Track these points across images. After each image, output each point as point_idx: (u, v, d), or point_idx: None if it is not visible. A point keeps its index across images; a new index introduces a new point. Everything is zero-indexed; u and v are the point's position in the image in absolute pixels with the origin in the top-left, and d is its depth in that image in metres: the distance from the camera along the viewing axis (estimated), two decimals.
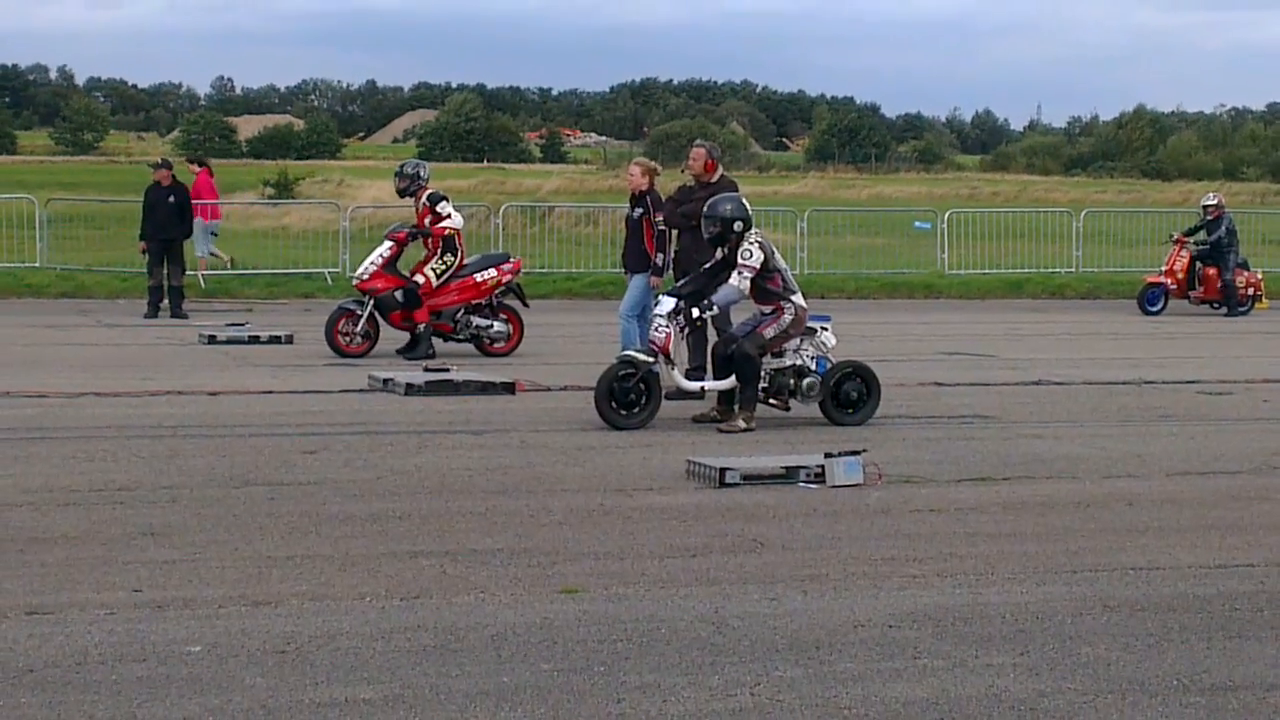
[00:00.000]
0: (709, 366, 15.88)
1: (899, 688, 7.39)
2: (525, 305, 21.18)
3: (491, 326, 20.53)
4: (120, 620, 8.21)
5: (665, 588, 9.12)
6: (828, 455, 12.37)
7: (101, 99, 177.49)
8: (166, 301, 25.11)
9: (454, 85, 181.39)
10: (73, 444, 13.43)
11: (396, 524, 10.66)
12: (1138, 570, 9.78)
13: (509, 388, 17.00)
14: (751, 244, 14.94)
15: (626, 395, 14.78)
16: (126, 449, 13.25)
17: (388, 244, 20.42)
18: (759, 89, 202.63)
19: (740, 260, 14.90)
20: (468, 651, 7.77)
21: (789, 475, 12.33)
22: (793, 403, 15.34)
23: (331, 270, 30.60)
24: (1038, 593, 9.18)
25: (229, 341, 21.53)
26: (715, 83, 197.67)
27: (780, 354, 15.19)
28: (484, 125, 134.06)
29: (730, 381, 15.00)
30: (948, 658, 7.86)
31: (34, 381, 17.09)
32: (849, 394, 15.30)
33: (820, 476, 12.23)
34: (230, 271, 30.96)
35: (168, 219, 25.05)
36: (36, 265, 30.97)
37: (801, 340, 15.27)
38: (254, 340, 21.48)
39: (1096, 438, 14.86)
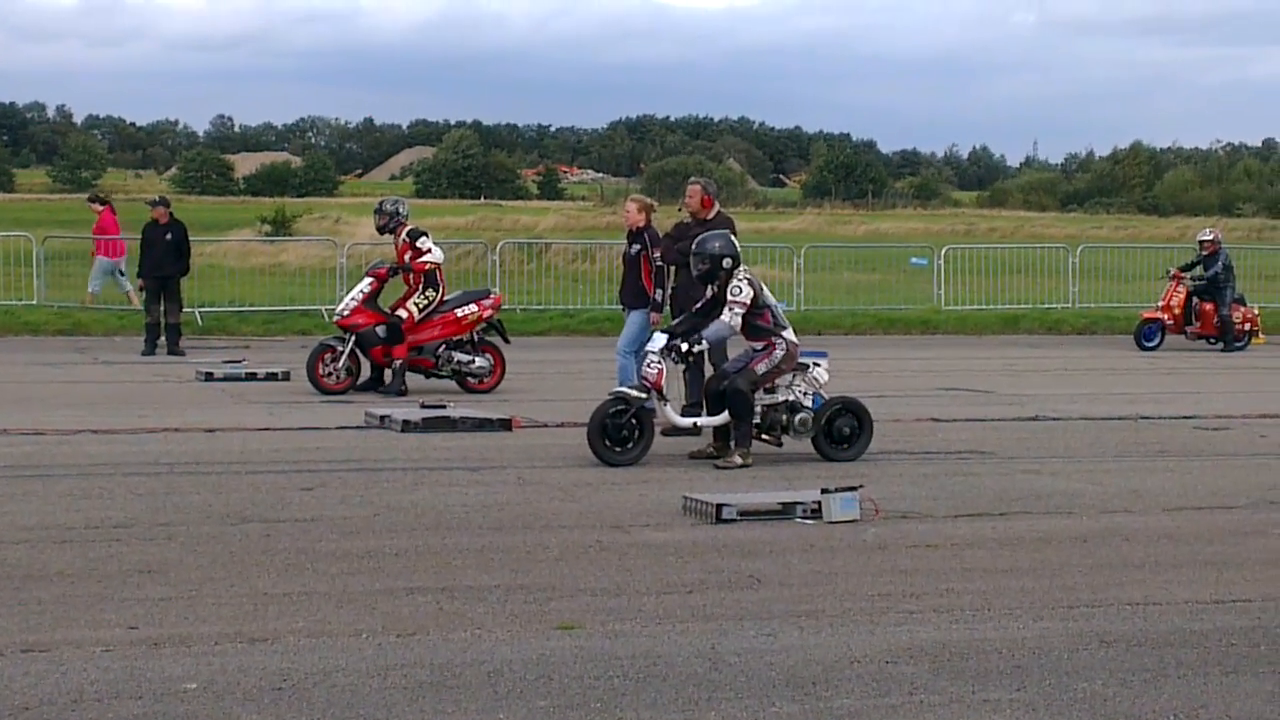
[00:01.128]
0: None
1: None
2: (506, 341, 21.13)
3: (473, 362, 20.50)
4: (116, 658, 8.20)
5: (662, 624, 9.11)
6: (824, 491, 12.38)
7: (99, 137, 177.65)
8: (163, 339, 25.12)
9: (452, 122, 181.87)
10: (69, 481, 13.43)
11: (393, 560, 10.65)
12: (1134, 605, 9.78)
13: (505, 424, 17.00)
14: (740, 280, 14.96)
15: (619, 431, 14.79)
16: (123, 486, 13.25)
17: (368, 280, 20.43)
18: (756, 125, 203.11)
19: (730, 297, 14.92)
20: (464, 688, 7.76)
21: (786, 511, 12.33)
22: (786, 438, 15.35)
23: (328, 307, 30.55)
24: (1034, 628, 9.17)
25: (226, 378, 21.54)
26: (712, 119, 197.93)
27: (773, 390, 15.19)
28: (481, 162, 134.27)
29: (724, 417, 15.03)
30: (944, 693, 7.85)
31: (31, 419, 17.09)
32: (841, 430, 15.31)
33: (817, 512, 12.23)
34: (137, 306, 30.95)
35: (164, 256, 25.06)
36: (34, 303, 30.97)
37: (794, 376, 15.29)
38: (251, 377, 21.48)
39: (1093, 473, 14.86)
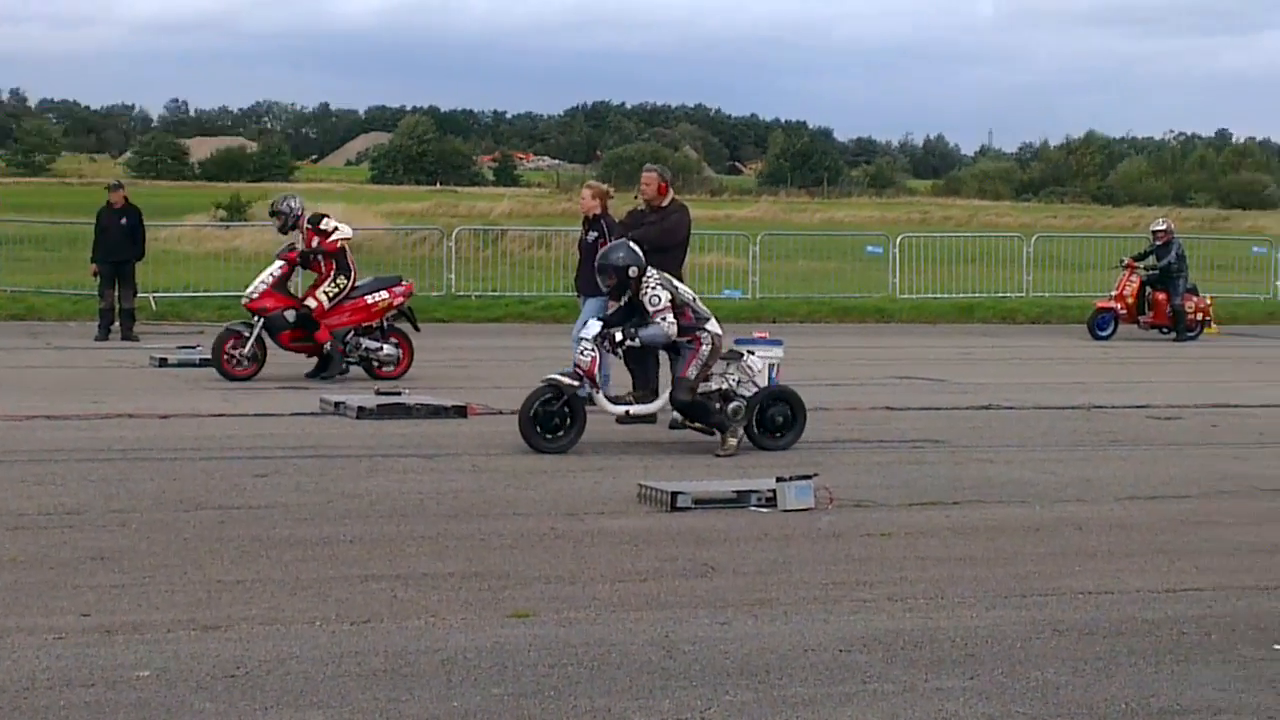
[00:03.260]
0: (660, 391, 15.91)
1: (849, 712, 7.41)
2: (416, 329, 21.01)
3: (381, 349, 20.40)
4: (69, 645, 8.17)
5: (616, 612, 9.12)
6: (779, 479, 12.40)
7: (54, 120, 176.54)
8: (117, 324, 25.02)
9: (409, 108, 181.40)
10: (21, 467, 13.37)
11: (347, 548, 10.63)
12: (1087, 594, 9.83)
13: (461, 411, 16.99)
14: (654, 288, 14.99)
15: (551, 419, 14.83)
16: (76, 472, 13.19)
17: (278, 263, 20.39)
18: (713, 112, 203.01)
19: (650, 307, 14.96)
20: (418, 676, 7.75)
21: (740, 499, 12.34)
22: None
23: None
24: (988, 617, 9.21)
25: (180, 364, 21.47)
26: (669, 106, 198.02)
27: (707, 379, 15.25)
28: (437, 148, 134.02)
29: (652, 405, 15.57)
30: (898, 682, 7.88)
31: None
32: (774, 418, 15.34)
33: (771, 501, 12.25)
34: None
35: (119, 241, 24.98)
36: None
37: (727, 365, 15.36)
38: (205, 363, 21.37)
39: (1046, 462, 14.92)
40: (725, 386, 15.31)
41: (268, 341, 20.13)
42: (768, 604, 9.39)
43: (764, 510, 12.15)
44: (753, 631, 8.75)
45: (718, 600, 9.45)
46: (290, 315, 20.07)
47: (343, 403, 16.98)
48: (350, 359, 20.31)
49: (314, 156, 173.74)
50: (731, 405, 15.16)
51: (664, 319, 14.90)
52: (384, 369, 20.36)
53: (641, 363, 16.34)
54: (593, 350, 15.01)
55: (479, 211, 63.90)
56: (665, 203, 17.17)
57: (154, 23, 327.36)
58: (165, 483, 12.78)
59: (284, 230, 20.76)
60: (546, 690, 7.58)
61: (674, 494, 12.17)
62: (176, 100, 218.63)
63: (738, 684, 7.76)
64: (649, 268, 15.11)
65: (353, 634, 8.51)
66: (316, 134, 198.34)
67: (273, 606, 9.05)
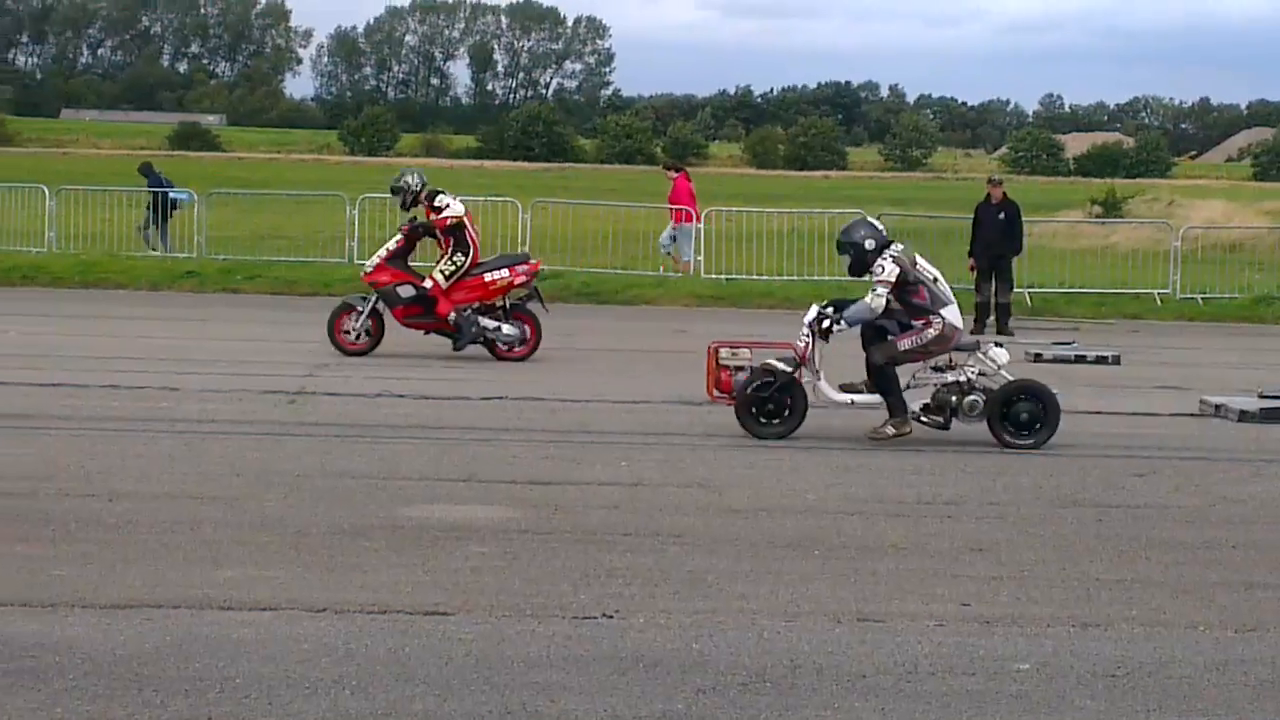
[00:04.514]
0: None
1: None
2: (545, 309, 20.04)
3: (499, 329, 19.55)
4: (949, 633, 8.28)
5: None
6: None
7: (930, 116, 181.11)
8: (993, 318, 25.29)
9: None
10: (900, 457, 13.69)
11: (1230, 553, 10.29)
12: None
13: None
14: (884, 259, 14.33)
15: (765, 404, 14.38)
16: (952, 463, 13.39)
17: (396, 238, 20.02)
18: None
19: (873, 276, 14.33)
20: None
21: None
22: (956, 421, 14.47)
23: (1161, 291, 29.98)
24: None
25: (1055, 360, 21.43)
26: None
27: (943, 369, 14.53)
28: None
29: (876, 396, 14.61)
30: None
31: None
32: (1019, 415, 14.32)
33: None
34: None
35: (997, 236, 25.23)
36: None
37: (968, 356, 14.52)
38: (1080, 360, 21.28)
39: None
40: (965, 379, 14.44)
41: (387, 317, 19.79)
42: None
43: None
44: None
45: None
46: (406, 290, 19.62)
47: (1223, 405, 16.47)
48: (478, 334, 19.57)
49: (1193, 152, 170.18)
50: (969, 399, 14.37)
51: (874, 293, 14.27)
52: (507, 349, 19.58)
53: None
54: (808, 336, 14.52)
55: None
56: None
57: (1021, 21, 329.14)
58: (1042, 478, 12.77)
59: (405, 207, 20.34)
60: None
61: None
62: (1051, 95, 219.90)
63: None
64: (894, 243, 14.55)
65: (1238, 641, 8.22)
66: (1196, 129, 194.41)
67: (1153, 608, 8.87)
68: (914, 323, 14.45)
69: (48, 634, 7.86)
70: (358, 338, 19.63)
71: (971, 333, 24.90)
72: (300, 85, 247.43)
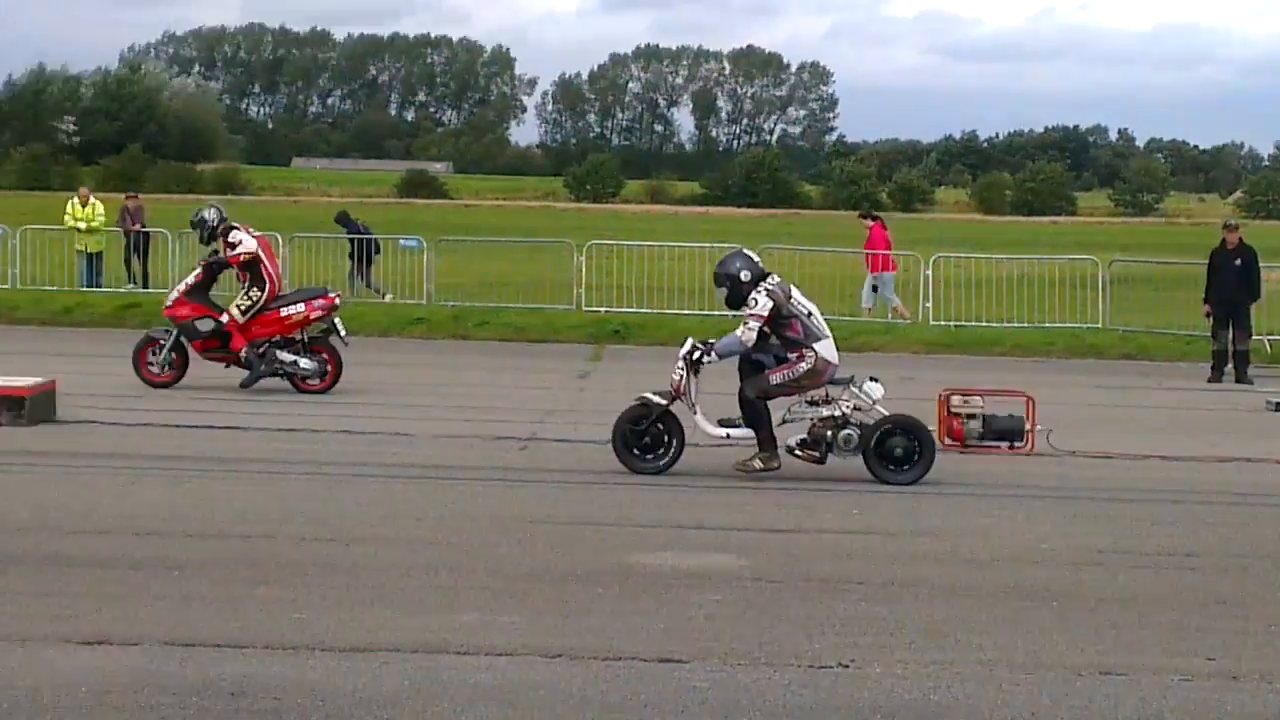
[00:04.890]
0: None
1: None
2: (345, 343, 19.92)
3: (297, 363, 19.58)
4: (1194, 688, 8.10)
5: None
6: None
7: (1161, 159, 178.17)
8: (1230, 366, 24.74)
9: None
10: (1137, 506, 13.43)
11: None
12: None
13: None
14: (758, 292, 14.24)
15: (641, 438, 14.33)
16: (1192, 515, 13.11)
17: (195, 272, 20.36)
18: None
19: (746, 310, 14.17)
20: None
21: None
22: (831, 456, 14.26)
23: None
24: None
25: None
26: None
27: (817, 403, 14.34)
28: None
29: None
30: None
31: (1096, 442, 17.16)
32: (894, 450, 14.13)
33: None
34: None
35: (1233, 282, 24.68)
36: (1098, 326, 31.33)
37: (843, 390, 14.32)
38: None
39: None
40: (840, 413, 14.23)
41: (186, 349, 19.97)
42: None
43: None
44: None
45: None
46: (205, 324, 19.81)
47: None
48: (269, 370, 19.66)
49: None
50: (844, 433, 14.18)
51: (746, 326, 14.13)
52: (306, 382, 19.64)
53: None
54: (682, 369, 14.32)
55: None
56: None
57: (1253, 63, 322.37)
58: None
59: (204, 241, 20.62)
60: None
61: None
62: None
63: None
64: (771, 276, 14.38)
65: None
66: None
67: None
68: (788, 355, 14.45)
69: (289, 676, 8.00)
70: (162, 370, 20.02)
71: (1209, 380, 24.43)
72: (525, 132, 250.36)
